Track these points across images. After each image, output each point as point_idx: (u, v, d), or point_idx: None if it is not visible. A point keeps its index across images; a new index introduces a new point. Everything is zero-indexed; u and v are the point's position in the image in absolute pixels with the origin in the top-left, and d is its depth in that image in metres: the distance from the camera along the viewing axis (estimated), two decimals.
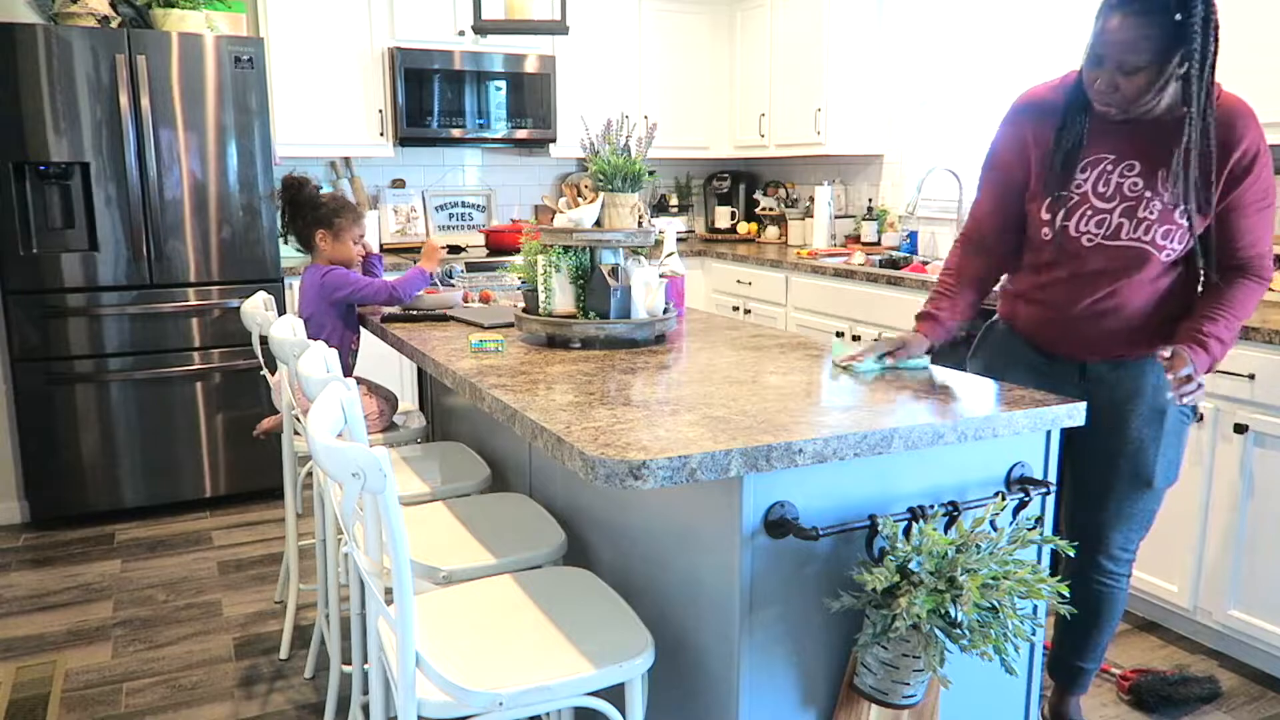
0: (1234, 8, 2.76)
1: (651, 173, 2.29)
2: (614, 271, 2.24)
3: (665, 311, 2.32)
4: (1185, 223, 1.86)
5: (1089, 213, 1.91)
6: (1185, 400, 1.83)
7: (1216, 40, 1.72)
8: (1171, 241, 1.87)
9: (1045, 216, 1.95)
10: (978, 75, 4.25)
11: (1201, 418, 2.09)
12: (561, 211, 2.28)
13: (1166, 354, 1.79)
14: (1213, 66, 1.74)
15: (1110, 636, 2.20)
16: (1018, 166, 2.00)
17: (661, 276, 2.34)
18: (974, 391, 1.76)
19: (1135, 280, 1.91)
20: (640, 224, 2.26)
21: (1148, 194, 1.86)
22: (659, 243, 2.53)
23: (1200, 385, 1.81)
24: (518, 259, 3.74)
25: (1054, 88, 1.97)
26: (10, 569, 3.45)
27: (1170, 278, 1.93)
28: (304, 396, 1.78)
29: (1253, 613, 2.62)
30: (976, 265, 2.08)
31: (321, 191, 2.82)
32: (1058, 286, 1.99)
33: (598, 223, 2.25)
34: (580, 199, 2.40)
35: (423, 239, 4.92)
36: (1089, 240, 1.92)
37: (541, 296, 2.29)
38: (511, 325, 2.52)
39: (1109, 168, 1.89)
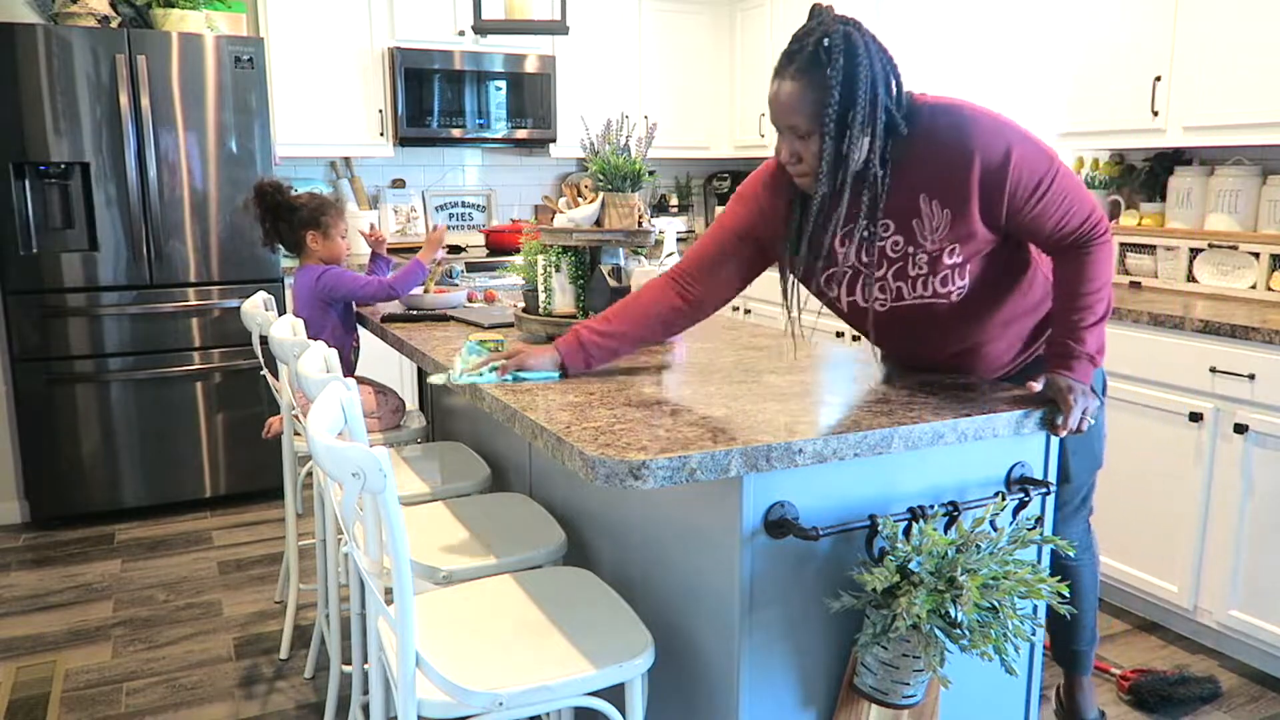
0: (1231, 8, 2.76)
1: (651, 173, 2.29)
2: (614, 271, 2.24)
3: None
4: (957, 259, 1.71)
5: (868, 280, 1.78)
6: (1080, 429, 1.66)
7: (872, 82, 1.59)
8: (952, 284, 1.74)
9: (831, 293, 1.85)
10: (977, 75, 4.25)
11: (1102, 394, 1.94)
12: (561, 211, 2.28)
13: (1038, 387, 1.69)
14: (876, 107, 1.60)
15: (1093, 615, 2.25)
16: (760, 227, 1.86)
17: None
18: (974, 391, 1.76)
19: (952, 320, 1.81)
20: (640, 224, 2.26)
21: (910, 250, 1.72)
22: (659, 243, 2.53)
23: (1089, 404, 1.66)
24: (518, 259, 3.74)
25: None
26: (10, 569, 3.45)
27: (992, 289, 1.80)
28: (304, 396, 1.78)
29: (1253, 613, 2.62)
30: (673, 304, 1.86)
31: (295, 192, 2.80)
32: (892, 346, 1.94)
33: (598, 223, 2.25)
34: (580, 199, 2.40)
35: (423, 239, 4.92)
36: (881, 306, 1.80)
37: (541, 296, 2.29)
38: (511, 325, 2.52)
39: (863, 235, 1.75)
